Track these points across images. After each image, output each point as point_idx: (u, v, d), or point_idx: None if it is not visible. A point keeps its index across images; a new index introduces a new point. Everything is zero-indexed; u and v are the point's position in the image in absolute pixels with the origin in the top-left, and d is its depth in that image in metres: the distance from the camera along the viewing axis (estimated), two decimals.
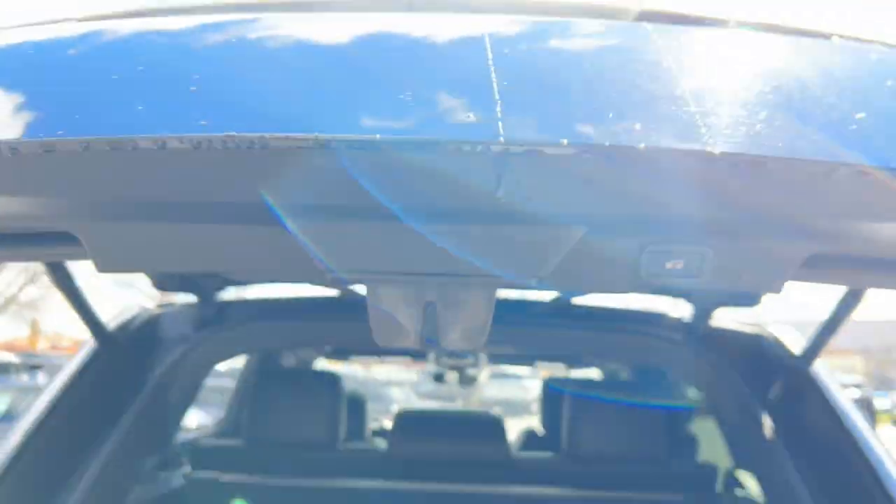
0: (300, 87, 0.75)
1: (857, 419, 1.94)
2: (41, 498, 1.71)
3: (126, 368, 2.05)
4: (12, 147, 0.68)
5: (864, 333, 46.96)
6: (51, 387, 1.92)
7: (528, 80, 0.75)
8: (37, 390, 9.75)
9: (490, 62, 0.74)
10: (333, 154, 0.69)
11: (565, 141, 0.66)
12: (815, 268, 0.90)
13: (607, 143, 0.66)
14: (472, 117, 0.69)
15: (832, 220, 0.81)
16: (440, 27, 0.85)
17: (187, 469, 2.43)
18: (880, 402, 32.85)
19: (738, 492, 2.41)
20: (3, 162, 0.70)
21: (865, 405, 28.92)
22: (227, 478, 2.39)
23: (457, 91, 0.73)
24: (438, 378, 5.79)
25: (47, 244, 0.97)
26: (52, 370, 15.04)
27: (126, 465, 1.94)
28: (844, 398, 2.05)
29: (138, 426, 1.99)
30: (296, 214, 0.78)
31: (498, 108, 0.69)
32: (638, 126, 0.68)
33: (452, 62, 0.79)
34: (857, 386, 29.78)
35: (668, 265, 0.84)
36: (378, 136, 0.67)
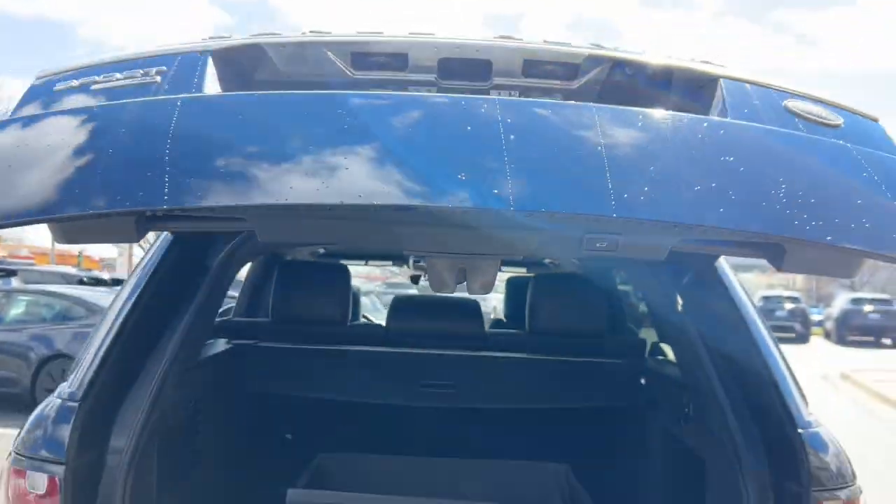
0: (384, 166, 1.29)
1: (747, 304, 2.45)
2: (141, 358, 2.09)
3: (195, 256, 2.56)
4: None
5: None
6: (135, 272, 2.41)
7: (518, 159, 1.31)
8: (13, 293, 10.15)
9: (501, 142, 1.28)
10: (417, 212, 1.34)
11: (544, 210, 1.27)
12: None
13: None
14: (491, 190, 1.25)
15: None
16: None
17: (228, 339, 3.05)
18: (815, 317, 34.75)
19: (660, 358, 3.12)
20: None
21: (801, 317, 30.56)
22: (262, 344, 3.03)
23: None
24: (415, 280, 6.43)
25: (224, 223, 1.62)
26: (28, 276, 15.31)
27: (195, 336, 2.36)
28: (739, 289, 2.62)
29: (203, 304, 2.40)
30: (392, 222, 1.45)
31: (503, 181, 1.25)
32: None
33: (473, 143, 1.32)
34: (795, 299, 31.49)
35: (598, 244, 1.49)
36: (447, 204, 1.25)
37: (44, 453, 1.65)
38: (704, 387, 2.10)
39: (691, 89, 1.64)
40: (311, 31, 1.62)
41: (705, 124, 1.42)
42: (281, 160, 1.26)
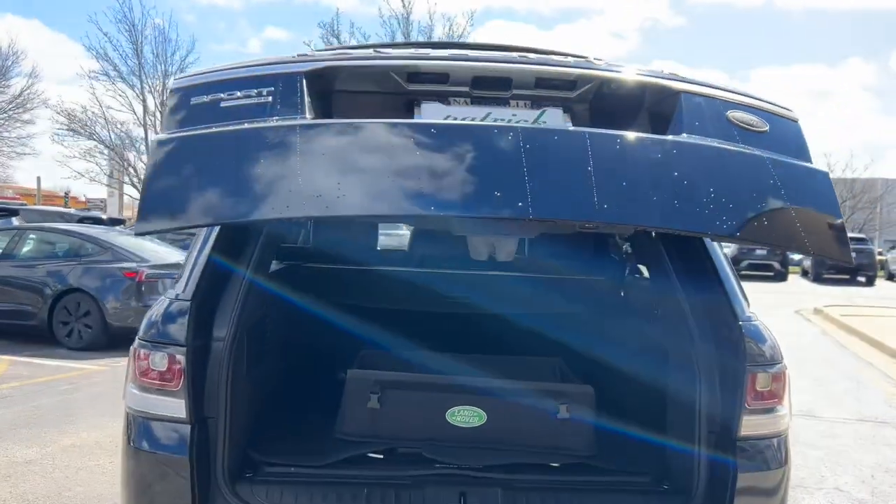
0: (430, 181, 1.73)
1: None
2: (230, 271, 2.44)
3: None
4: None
5: None
6: None
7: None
8: (25, 231, 10.50)
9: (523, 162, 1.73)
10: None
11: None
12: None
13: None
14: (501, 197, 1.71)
15: None
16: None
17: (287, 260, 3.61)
18: (796, 255, 35.57)
19: (637, 276, 3.66)
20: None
21: (780, 256, 31.30)
22: (307, 264, 3.56)
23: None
24: None
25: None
26: (29, 216, 15.60)
27: (265, 257, 2.69)
28: None
29: (269, 233, 2.69)
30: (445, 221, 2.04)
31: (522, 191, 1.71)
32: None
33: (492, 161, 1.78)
34: None
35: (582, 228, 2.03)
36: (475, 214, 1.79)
37: (166, 339, 2.14)
38: (670, 296, 2.60)
39: (660, 100, 2.10)
40: (374, 51, 2.04)
41: (656, 143, 1.88)
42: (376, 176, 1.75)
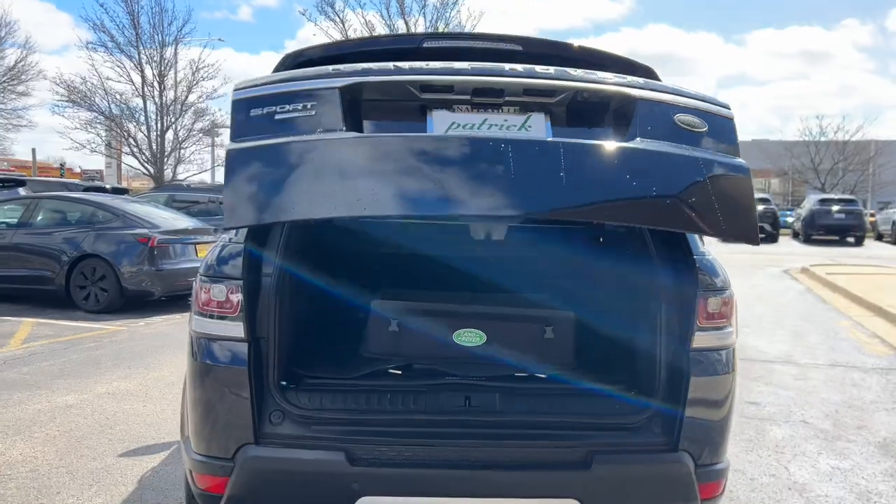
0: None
1: None
2: None
3: None
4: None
5: (780, 156, 50.16)
6: None
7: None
8: (41, 200, 10.87)
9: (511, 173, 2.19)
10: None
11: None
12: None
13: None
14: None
15: None
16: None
17: None
18: (789, 219, 36.16)
19: (614, 224, 4.07)
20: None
21: (771, 218, 31.81)
22: None
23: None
24: None
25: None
26: (34, 186, 15.95)
27: None
28: None
29: None
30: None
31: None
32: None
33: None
34: (765, 200, 32.72)
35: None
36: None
37: (224, 275, 2.57)
38: (639, 240, 3.01)
39: (622, 105, 2.52)
40: (394, 67, 2.49)
41: (613, 150, 2.34)
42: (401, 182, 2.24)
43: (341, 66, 2.47)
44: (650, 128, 2.39)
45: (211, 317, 2.54)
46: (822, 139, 50.32)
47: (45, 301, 10.10)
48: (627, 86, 2.49)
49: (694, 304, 2.58)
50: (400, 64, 2.50)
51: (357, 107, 2.42)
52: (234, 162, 2.24)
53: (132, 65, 31.45)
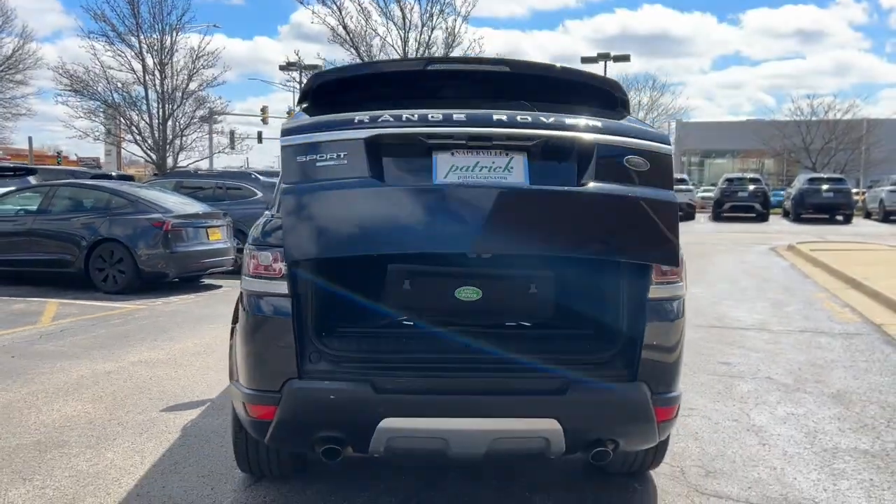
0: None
1: None
2: None
3: None
4: None
5: (772, 137, 50.65)
6: None
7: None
8: (58, 188, 11.39)
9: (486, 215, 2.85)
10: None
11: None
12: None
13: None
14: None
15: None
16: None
17: None
18: (775, 200, 36.71)
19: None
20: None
21: (762, 197, 32.27)
22: None
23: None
24: None
25: None
26: (43, 174, 16.43)
27: None
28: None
29: None
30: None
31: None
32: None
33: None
34: (756, 180, 33.25)
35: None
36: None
37: (269, 243, 3.11)
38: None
39: (584, 147, 3.05)
40: (405, 118, 3.05)
41: (571, 193, 2.94)
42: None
43: (365, 117, 3.03)
44: (603, 167, 2.97)
45: (261, 277, 3.11)
46: (813, 119, 50.81)
47: (64, 283, 10.67)
48: (588, 131, 3.08)
49: (650, 265, 3.14)
50: (410, 114, 3.06)
51: (378, 151, 2.98)
52: (289, 204, 2.88)
53: (133, 53, 31.85)
